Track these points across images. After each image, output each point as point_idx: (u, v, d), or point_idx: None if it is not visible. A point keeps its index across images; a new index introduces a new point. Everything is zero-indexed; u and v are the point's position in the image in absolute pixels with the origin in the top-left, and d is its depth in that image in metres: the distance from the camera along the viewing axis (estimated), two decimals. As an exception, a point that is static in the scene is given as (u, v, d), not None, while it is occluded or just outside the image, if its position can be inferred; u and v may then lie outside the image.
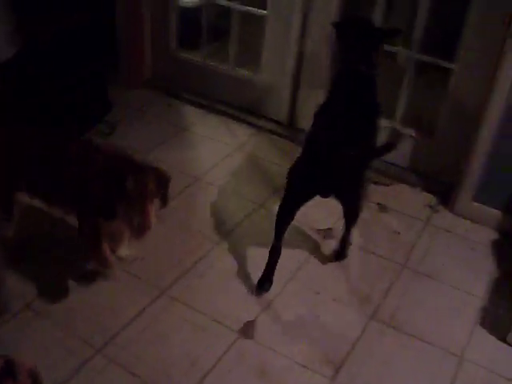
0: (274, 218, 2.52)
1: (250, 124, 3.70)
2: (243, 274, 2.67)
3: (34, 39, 3.32)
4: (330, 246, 2.86)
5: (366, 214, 2.99)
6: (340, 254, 2.82)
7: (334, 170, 2.28)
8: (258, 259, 2.65)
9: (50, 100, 3.22)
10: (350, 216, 2.68)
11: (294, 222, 2.54)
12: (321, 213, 2.97)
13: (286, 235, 2.53)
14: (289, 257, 2.69)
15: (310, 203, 2.45)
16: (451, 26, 3.11)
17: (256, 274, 2.60)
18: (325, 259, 2.80)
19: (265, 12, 3.52)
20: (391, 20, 4.39)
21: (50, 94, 3.22)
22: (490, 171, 2.97)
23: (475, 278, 2.76)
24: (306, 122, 3.22)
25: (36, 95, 3.16)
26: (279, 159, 3.41)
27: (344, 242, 2.80)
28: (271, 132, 3.66)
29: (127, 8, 3.81)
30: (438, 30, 3.30)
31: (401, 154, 3.34)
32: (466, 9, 2.94)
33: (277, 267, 2.58)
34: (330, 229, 2.96)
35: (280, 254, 2.58)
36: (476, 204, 3.07)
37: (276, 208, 2.54)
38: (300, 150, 2.49)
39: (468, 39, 2.99)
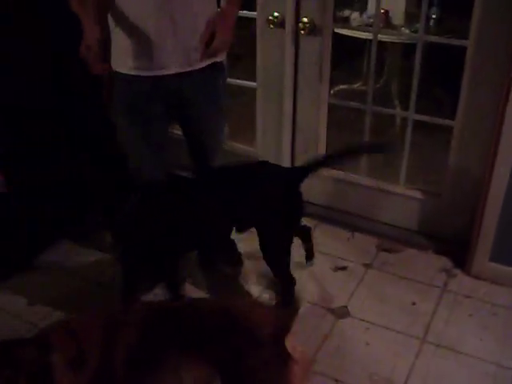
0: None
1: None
2: None
3: None
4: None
5: (378, 285, 2.84)
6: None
7: None
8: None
9: None
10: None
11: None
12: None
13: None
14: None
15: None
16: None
17: None
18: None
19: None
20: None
21: None
22: (503, 229, 2.80)
23: (502, 347, 2.56)
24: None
25: None
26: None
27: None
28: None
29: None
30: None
31: (408, 217, 3.20)
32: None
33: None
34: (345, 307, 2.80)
35: None
36: (493, 264, 2.89)
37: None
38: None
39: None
